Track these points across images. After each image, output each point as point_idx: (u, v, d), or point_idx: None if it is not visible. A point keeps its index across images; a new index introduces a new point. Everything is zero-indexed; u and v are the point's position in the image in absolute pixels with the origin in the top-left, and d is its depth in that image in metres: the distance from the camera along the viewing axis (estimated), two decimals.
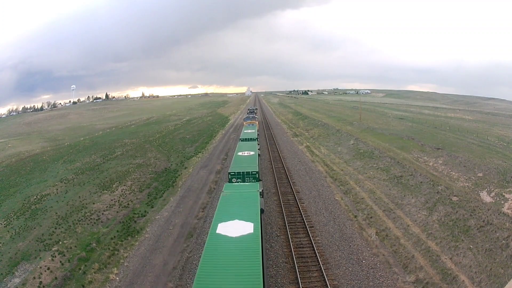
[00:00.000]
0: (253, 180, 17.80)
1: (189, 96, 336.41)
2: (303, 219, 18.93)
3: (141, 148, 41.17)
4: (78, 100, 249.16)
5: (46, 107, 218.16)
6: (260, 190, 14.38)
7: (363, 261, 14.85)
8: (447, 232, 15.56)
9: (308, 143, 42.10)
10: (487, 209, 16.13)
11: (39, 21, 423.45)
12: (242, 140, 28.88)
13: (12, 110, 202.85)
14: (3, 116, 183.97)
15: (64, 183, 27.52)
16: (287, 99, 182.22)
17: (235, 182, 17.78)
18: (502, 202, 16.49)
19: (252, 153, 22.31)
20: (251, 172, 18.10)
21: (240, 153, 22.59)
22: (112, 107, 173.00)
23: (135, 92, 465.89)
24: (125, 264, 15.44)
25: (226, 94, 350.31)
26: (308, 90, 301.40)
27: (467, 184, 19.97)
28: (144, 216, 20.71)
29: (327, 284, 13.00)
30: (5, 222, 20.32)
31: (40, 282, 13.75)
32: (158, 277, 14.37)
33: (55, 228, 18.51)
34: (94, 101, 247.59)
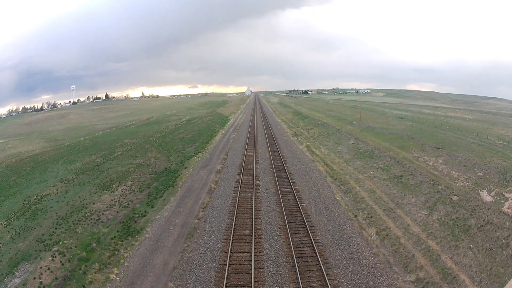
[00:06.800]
0: None
1: (189, 96, 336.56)
2: (303, 218, 18.94)
3: (141, 148, 41.17)
4: (78, 100, 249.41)
5: (46, 107, 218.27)
6: None
7: (364, 261, 14.85)
8: (447, 232, 15.57)
9: (308, 143, 42.09)
10: (487, 208, 16.13)
11: (39, 21, 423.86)
12: None
13: (12, 110, 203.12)
14: (3, 116, 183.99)
15: (64, 183, 27.53)
16: (287, 98, 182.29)
17: None
18: (502, 201, 16.49)
19: None
20: None
21: None
22: (112, 107, 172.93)
23: (135, 92, 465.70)
24: (126, 264, 15.44)
25: (226, 94, 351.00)
26: (308, 90, 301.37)
27: (467, 183, 19.96)
28: (144, 216, 20.72)
29: (327, 283, 13.00)
30: (5, 222, 20.33)
31: (41, 283, 13.76)
32: (158, 277, 14.37)
33: (55, 228, 18.51)
34: (94, 101, 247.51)
